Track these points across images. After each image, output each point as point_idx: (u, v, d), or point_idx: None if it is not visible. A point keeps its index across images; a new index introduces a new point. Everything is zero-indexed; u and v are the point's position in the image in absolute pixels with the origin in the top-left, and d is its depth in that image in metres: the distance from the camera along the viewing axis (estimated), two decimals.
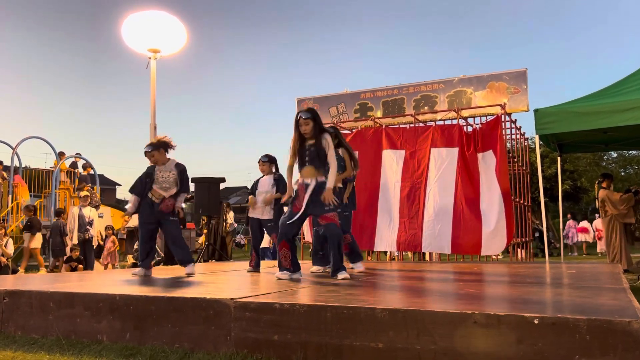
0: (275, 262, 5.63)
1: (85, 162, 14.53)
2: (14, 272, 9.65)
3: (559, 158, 9.30)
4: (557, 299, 3.19)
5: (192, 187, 10.24)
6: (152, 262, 5.59)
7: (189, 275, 5.06)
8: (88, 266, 10.30)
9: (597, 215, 15.79)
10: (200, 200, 9.85)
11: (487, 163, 7.25)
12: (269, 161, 5.79)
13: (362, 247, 8.11)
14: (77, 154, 14.72)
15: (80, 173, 14.55)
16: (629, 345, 2.15)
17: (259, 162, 5.84)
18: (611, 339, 2.18)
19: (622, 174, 25.78)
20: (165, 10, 11.19)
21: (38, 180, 15.16)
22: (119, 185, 48.08)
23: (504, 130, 7.87)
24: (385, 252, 8.79)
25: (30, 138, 14.63)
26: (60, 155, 14.24)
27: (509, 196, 7.19)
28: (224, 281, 4.74)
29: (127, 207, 5.74)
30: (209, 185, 9.90)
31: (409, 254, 9.40)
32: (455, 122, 8.00)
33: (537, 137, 7.29)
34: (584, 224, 17.51)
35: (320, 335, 2.69)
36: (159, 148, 5.26)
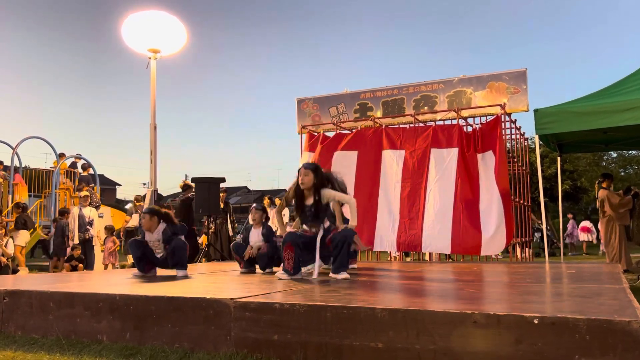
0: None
1: (85, 162, 14.54)
2: (14, 272, 9.65)
3: (558, 158, 9.30)
4: (557, 299, 3.19)
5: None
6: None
7: (183, 277, 5.04)
8: (88, 266, 10.31)
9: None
10: (201, 200, 9.84)
11: (487, 163, 7.26)
12: (262, 210, 5.82)
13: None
14: (77, 154, 14.72)
15: (80, 173, 14.55)
16: (629, 345, 2.15)
17: (251, 209, 5.88)
18: (611, 338, 2.18)
19: (622, 174, 25.80)
20: (165, 10, 11.20)
21: (38, 180, 15.16)
22: (119, 185, 48.14)
23: (503, 130, 7.88)
24: (387, 252, 8.78)
25: (30, 138, 14.64)
26: (61, 156, 14.24)
27: (509, 196, 7.20)
28: (224, 281, 4.74)
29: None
30: (209, 185, 9.90)
31: (408, 258, 9.40)
32: (455, 122, 8.01)
33: (536, 137, 7.29)
34: (586, 223, 17.51)
35: (320, 335, 2.69)
36: (153, 215, 5.08)
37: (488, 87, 8.87)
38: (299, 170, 4.79)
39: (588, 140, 8.82)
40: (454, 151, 7.39)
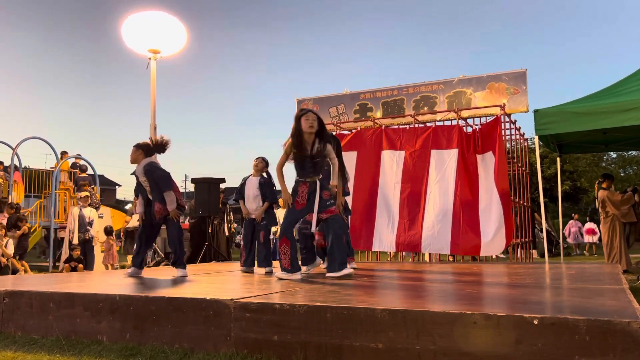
0: (276, 263, 5.66)
1: (83, 164, 14.51)
2: (14, 272, 9.65)
3: (558, 159, 9.30)
4: (557, 299, 3.19)
5: (192, 187, 10.25)
6: (142, 261, 5.51)
7: (182, 277, 5.04)
8: (88, 266, 10.31)
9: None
10: (201, 200, 9.84)
11: (486, 164, 7.26)
12: (266, 163, 5.92)
13: (360, 248, 8.13)
14: (77, 155, 14.70)
15: (79, 174, 14.53)
16: (629, 346, 2.15)
17: (257, 160, 5.88)
18: (611, 339, 2.18)
19: (622, 174, 25.79)
20: (165, 10, 11.20)
21: (38, 181, 15.15)
22: (119, 185, 48.09)
23: (503, 131, 7.88)
24: (386, 253, 8.78)
25: (30, 138, 14.62)
26: (62, 154, 14.23)
27: (508, 197, 7.20)
28: (223, 281, 4.74)
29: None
30: (209, 185, 9.90)
31: (409, 258, 9.40)
32: (455, 122, 8.01)
33: (536, 137, 7.29)
34: (591, 225, 17.53)
35: (320, 336, 2.69)
36: (137, 148, 5.20)
37: (488, 88, 8.88)
38: (301, 117, 4.56)
39: (588, 141, 8.83)
40: (454, 152, 7.40)
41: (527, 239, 8.86)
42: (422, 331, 2.48)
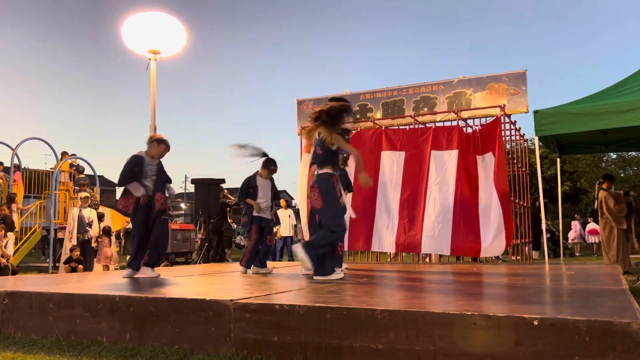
0: (276, 264, 5.66)
1: (80, 164, 14.49)
2: (14, 273, 9.65)
3: (558, 159, 9.30)
4: (557, 300, 3.19)
5: (191, 188, 10.25)
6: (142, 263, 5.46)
7: (152, 277, 5.01)
8: (88, 267, 10.30)
9: None
10: (200, 201, 9.85)
11: (486, 165, 7.26)
12: (276, 169, 6.01)
13: (360, 248, 8.13)
14: (72, 154, 14.65)
15: (76, 174, 14.51)
16: (629, 347, 2.15)
17: (270, 166, 5.90)
18: (610, 340, 2.18)
19: (622, 175, 25.78)
20: (165, 11, 11.19)
21: (37, 181, 15.14)
22: (119, 186, 48.01)
23: (503, 132, 7.88)
24: (386, 253, 8.78)
25: (30, 139, 14.61)
26: (63, 154, 14.21)
27: (508, 198, 7.20)
28: (223, 282, 4.74)
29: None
30: (209, 186, 9.91)
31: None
32: (454, 123, 8.01)
33: (536, 138, 7.29)
34: (594, 225, 17.55)
35: (320, 336, 2.69)
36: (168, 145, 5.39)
37: (488, 89, 8.88)
38: (346, 111, 4.65)
39: (588, 142, 8.82)
40: (454, 153, 7.39)
41: (527, 240, 8.85)
42: (422, 332, 2.48)
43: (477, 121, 8.75)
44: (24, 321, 3.62)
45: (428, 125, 8.39)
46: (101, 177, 24.26)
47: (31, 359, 3.04)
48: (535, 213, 10.35)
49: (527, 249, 9.19)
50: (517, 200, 8.40)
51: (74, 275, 7.26)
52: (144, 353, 2.97)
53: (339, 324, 2.66)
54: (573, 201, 22.88)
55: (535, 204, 11.04)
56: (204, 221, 10.69)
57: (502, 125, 7.72)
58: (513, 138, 8.97)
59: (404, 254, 9.46)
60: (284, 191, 40.60)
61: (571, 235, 18.16)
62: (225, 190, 11.95)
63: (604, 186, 8.48)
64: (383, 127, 8.43)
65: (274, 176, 6.09)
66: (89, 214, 10.72)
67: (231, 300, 2.97)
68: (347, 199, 5.71)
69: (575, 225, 18.05)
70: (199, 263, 9.57)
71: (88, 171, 14.59)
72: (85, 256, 10.37)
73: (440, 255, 8.31)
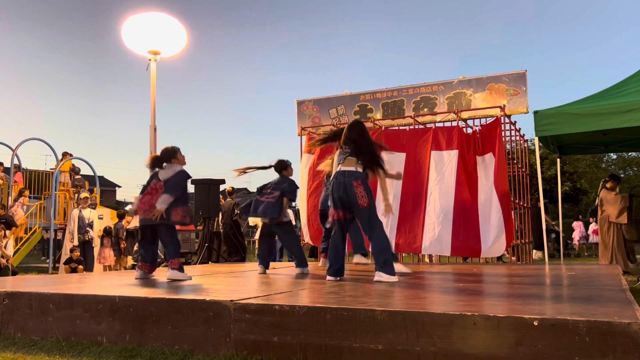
0: (276, 264, 5.65)
1: (76, 165, 14.48)
2: (14, 273, 9.65)
3: (558, 160, 9.30)
4: (557, 300, 3.19)
5: (191, 188, 10.26)
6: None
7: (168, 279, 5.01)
8: (88, 267, 10.31)
9: None
10: (200, 201, 9.84)
11: (486, 165, 7.25)
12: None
13: None
14: (64, 152, 14.60)
15: (74, 175, 14.50)
16: (628, 347, 2.15)
17: (288, 167, 5.81)
18: (610, 340, 2.18)
19: (622, 175, 25.83)
20: (165, 11, 11.21)
21: (37, 182, 15.15)
22: (119, 186, 48.10)
23: (503, 132, 7.88)
24: None
25: (30, 140, 14.62)
26: (64, 155, 14.21)
27: (508, 198, 7.20)
28: (223, 283, 4.74)
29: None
30: (209, 186, 9.90)
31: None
32: (454, 124, 8.01)
33: (536, 138, 7.29)
34: (595, 226, 17.56)
35: (320, 337, 2.69)
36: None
37: (488, 89, 8.87)
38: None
39: (588, 142, 8.82)
40: (454, 153, 7.39)
41: (526, 240, 8.85)
42: (422, 332, 2.48)
43: (477, 122, 8.75)
44: (24, 322, 3.62)
45: (428, 125, 8.38)
46: (101, 178, 24.27)
47: (31, 359, 3.04)
48: (537, 213, 10.35)
49: (527, 248, 9.18)
50: (517, 201, 8.40)
51: (74, 275, 7.26)
52: (143, 354, 2.97)
53: (339, 325, 2.66)
54: (573, 202, 22.91)
55: (537, 205, 11.03)
56: (204, 221, 10.68)
57: (502, 125, 7.72)
58: (513, 138, 8.97)
59: (404, 255, 9.46)
60: None
61: (576, 235, 18.16)
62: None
63: (607, 185, 8.47)
64: (383, 128, 8.43)
65: (274, 176, 6.05)
66: (89, 214, 10.73)
67: (231, 300, 2.97)
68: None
69: (580, 225, 18.04)
70: (198, 264, 9.56)
71: (88, 171, 14.57)
72: (86, 257, 10.37)
73: (440, 256, 8.31)
